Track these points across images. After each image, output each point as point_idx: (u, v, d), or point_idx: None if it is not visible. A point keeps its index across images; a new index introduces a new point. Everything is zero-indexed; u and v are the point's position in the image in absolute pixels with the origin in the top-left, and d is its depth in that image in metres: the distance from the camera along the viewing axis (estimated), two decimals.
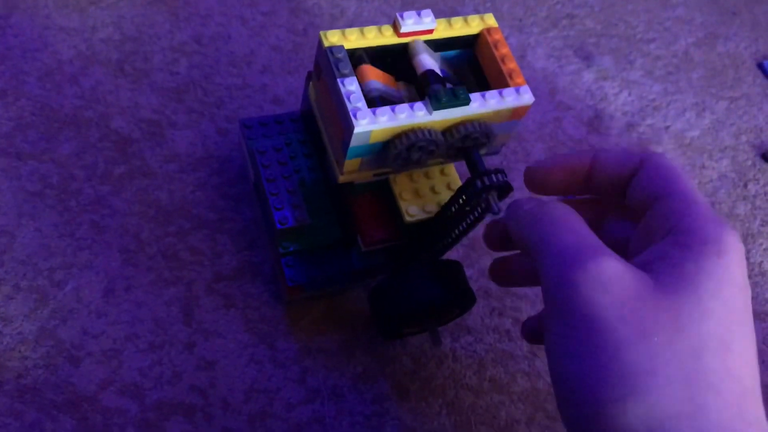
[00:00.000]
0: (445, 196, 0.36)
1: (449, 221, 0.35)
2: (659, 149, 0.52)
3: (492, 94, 0.32)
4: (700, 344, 0.24)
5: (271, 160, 0.38)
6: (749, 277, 0.47)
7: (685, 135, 0.53)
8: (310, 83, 0.36)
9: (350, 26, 0.53)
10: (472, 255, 0.45)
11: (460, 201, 0.33)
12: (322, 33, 0.32)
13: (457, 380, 0.40)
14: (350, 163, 0.32)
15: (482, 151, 0.35)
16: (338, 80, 0.30)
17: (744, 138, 0.54)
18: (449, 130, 0.32)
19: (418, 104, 0.31)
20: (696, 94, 0.56)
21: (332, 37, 0.32)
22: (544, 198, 0.32)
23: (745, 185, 0.52)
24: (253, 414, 0.37)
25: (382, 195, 0.37)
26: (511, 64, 0.33)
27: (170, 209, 0.42)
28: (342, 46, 0.31)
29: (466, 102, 0.31)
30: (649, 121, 0.53)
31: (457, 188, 0.34)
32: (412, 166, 0.34)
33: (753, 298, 0.46)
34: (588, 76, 0.54)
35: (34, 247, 0.40)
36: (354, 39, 0.32)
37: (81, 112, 0.45)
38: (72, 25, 0.48)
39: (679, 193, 0.28)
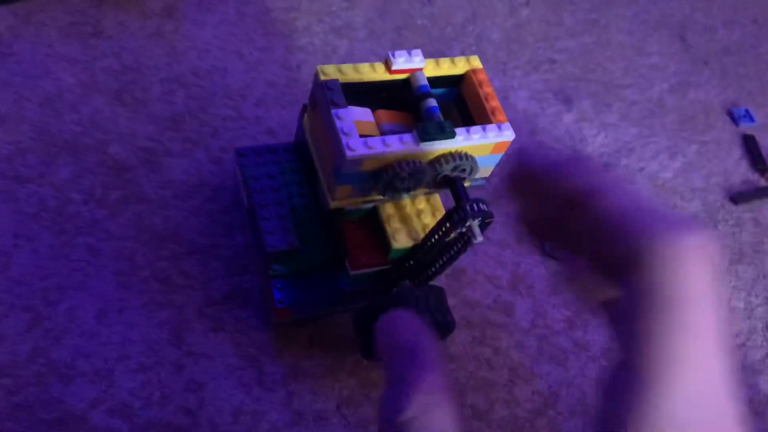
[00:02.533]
0: (431, 223, 0.38)
1: (433, 248, 0.36)
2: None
3: (476, 130, 0.34)
4: None
5: (264, 187, 0.40)
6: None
7: (658, 176, 0.56)
8: (305, 115, 0.38)
9: (343, 63, 0.55)
10: (455, 285, 0.46)
11: (444, 228, 0.35)
12: (319, 67, 0.34)
13: None
14: (341, 190, 0.34)
15: (466, 183, 0.37)
16: (332, 111, 0.32)
17: (714, 180, 0.57)
18: (436, 161, 0.34)
19: (407, 136, 0.33)
20: (669, 137, 0.58)
21: (328, 71, 0.34)
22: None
23: (715, 225, 0.54)
24: None
25: (371, 221, 0.39)
26: (494, 103, 0.35)
27: (164, 234, 0.43)
28: (337, 80, 0.34)
29: (452, 135, 0.33)
30: (624, 161, 0.56)
31: (443, 209, 0.35)
32: (400, 194, 0.35)
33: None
34: (567, 117, 0.57)
35: (30, 267, 0.41)
36: (349, 74, 0.34)
37: (80, 139, 0.46)
38: (74, 54, 0.50)
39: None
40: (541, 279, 0.48)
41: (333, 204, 0.36)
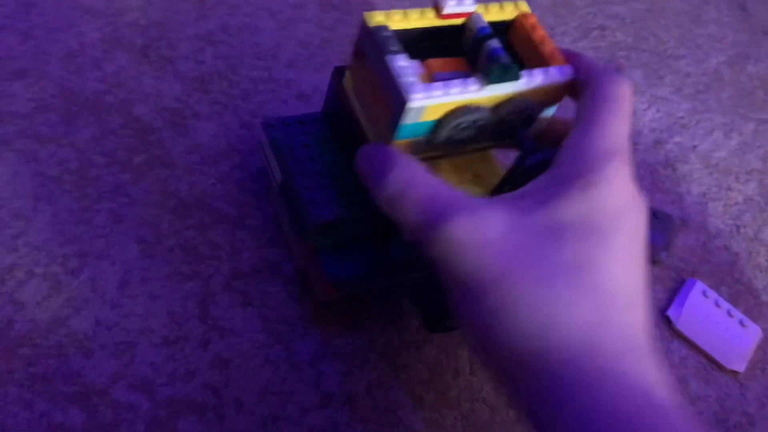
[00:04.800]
0: (488, 180, 0.36)
1: None
2: (686, 168, 0.51)
3: (538, 72, 0.32)
4: (553, 272, 0.26)
5: (301, 156, 0.38)
6: None
7: (712, 155, 0.52)
8: (347, 72, 0.35)
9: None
10: None
11: (510, 184, 0.33)
12: (366, 14, 0.32)
13: (473, 393, 0.39)
14: (399, 145, 0.32)
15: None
16: (388, 57, 0.30)
17: None
18: (498, 107, 0.32)
19: (471, 80, 0.31)
20: (724, 113, 0.55)
21: (377, 17, 0.32)
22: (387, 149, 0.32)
23: None
24: (265, 416, 0.36)
25: None
26: (550, 46, 0.33)
27: (190, 202, 0.41)
28: (387, 26, 0.31)
29: (517, 77, 0.31)
30: (676, 138, 0.52)
31: (501, 171, 0.35)
32: (459, 147, 0.34)
33: None
34: None
35: (50, 233, 0.39)
36: (397, 20, 0.32)
37: (102, 97, 0.44)
38: (98, 7, 0.47)
39: (590, 122, 0.29)
40: None
41: None
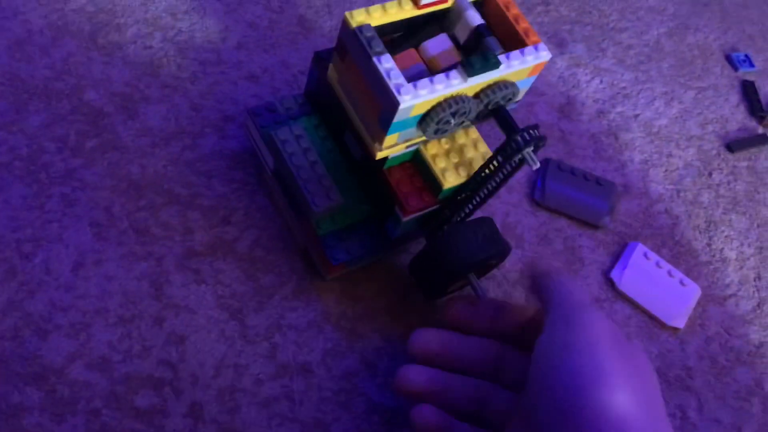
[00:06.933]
0: (475, 156, 0.38)
1: (483, 182, 0.36)
2: (628, 137, 0.53)
3: (515, 55, 0.34)
4: None
5: (295, 149, 0.39)
6: (710, 263, 0.49)
7: (653, 123, 0.54)
8: (330, 65, 0.36)
9: (326, 5, 0.53)
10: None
11: (497, 161, 0.35)
12: (347, 14, 0.32)
13: None
14: (390, 138, 0.34)
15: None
16: (374, 59, 0.31)
17: (710, 128, 0.55)
18: (482, 93, 0.34)
19: (453, 73, 0.32)
20: (665, 83, 0.57)
21: (358, 17, 0.32)
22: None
23: (710, 174, 0.53)
24: (222, 389, 0.37)
25: (413, 164, 0.38)
26: (525, 24, 0.35)
27: (142, 184, 0.42)
28: (369, 25, 0.32)
29: (497, 65, 0.33)
30: (619, 108, 0.54)
31: (487, 149, 0.37)
32: (445, 133, 0.35)
33: (713, 283, 0.48)
34: (561, 62, 0.55)
35: (2, 219, 0.39)
36: (378, 16, 0.33)
37: (52, 84, 0.44)
38: None
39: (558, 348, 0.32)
40: (530, 229, 0.47)
41: (380, 154, 0.35)
